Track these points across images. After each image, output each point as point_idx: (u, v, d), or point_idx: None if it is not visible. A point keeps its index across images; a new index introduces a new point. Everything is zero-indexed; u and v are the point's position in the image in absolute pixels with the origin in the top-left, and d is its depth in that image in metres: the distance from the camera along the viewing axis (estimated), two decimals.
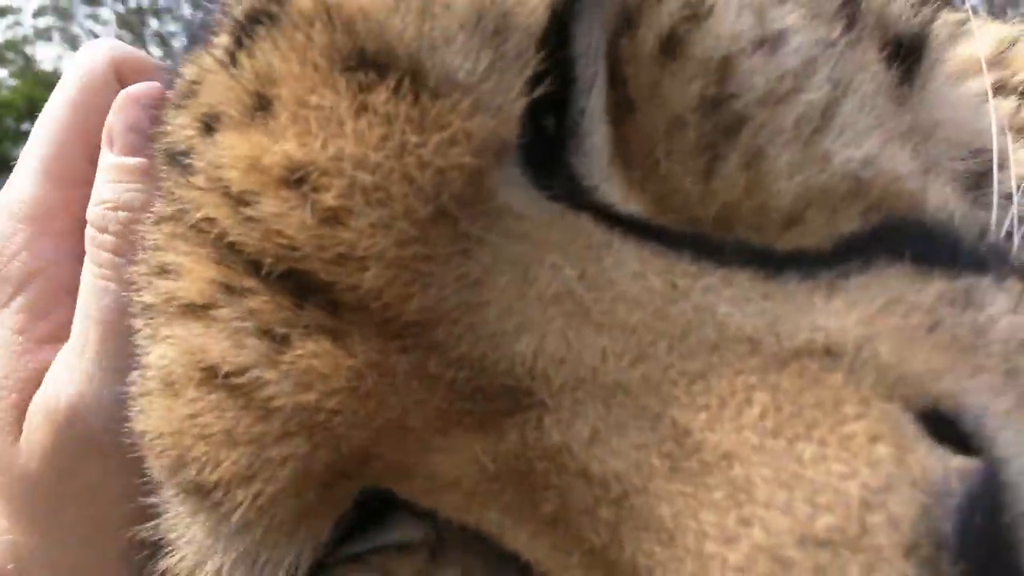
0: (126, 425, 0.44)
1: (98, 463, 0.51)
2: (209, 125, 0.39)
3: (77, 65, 0.59)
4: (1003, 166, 0.45)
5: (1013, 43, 0.85)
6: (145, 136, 0.50)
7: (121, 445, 0.46)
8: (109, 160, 0.53)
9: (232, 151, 0.37)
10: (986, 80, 0.52)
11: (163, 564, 0.44)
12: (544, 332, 0.35)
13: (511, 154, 0.37)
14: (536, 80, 0.36)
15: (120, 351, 0.49)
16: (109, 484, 0.51)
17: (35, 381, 0.53)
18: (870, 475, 0.30)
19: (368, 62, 0.35)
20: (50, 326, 0.55)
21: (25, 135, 0.62)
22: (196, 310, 0.38)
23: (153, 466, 0.42)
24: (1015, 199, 0.43)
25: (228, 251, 0.38)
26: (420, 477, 0.39)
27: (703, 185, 0.38)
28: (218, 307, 0.38)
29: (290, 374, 0.36)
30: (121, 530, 0.51)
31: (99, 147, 0.54)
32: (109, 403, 0.49)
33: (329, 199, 0.34)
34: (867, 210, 0.38)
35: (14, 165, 0.59)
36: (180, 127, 0.42)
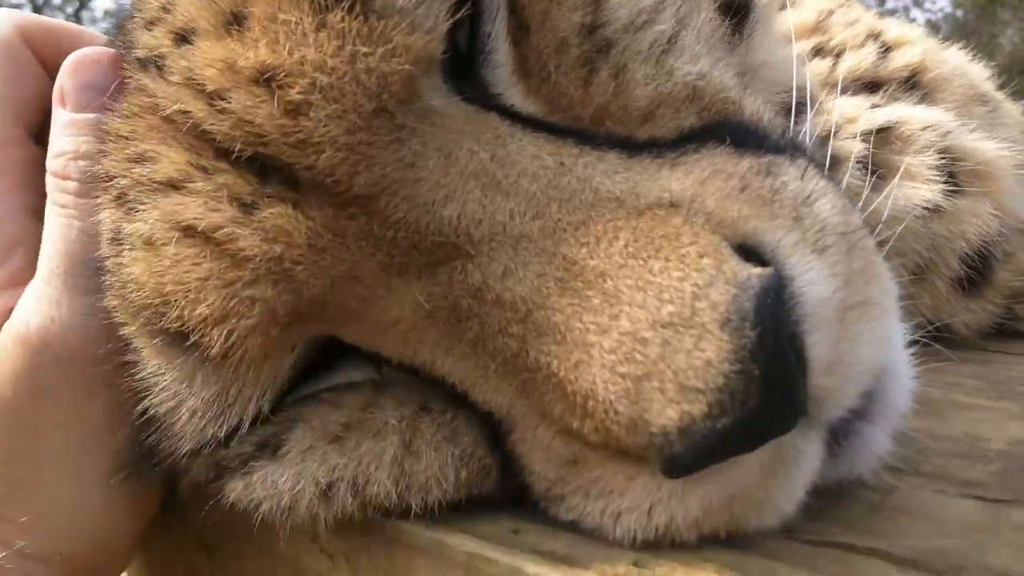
0: (99, 300, 0.51)
1: (76, 381, 0.55)
2: (184, 37, 0.48)
3: None
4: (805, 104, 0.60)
5: (830, 13, 1.03)
6: (96, 92, 0.57)
7: (96, 363, 0.52)
8: (64, 117, 0.58)
9: (209, 55, 0.46)
10: (794, 41, 0.67)
11: (143, 405, 0.52)
12: (465, 200, 0.46)
13: (435, 66, 0.48)
14: (456, 7, 0.47)
15: (86, 279, 0.54)
16: (89, 402, 0.55)
17: None
18: (698, 277, 0.43)
19: None
20: (5, 274, 0.59)
21: None
22: (174, 183, 0.47)
23: (131, 323, 0.50)
24: (808, 119, 0.57)
25: (200, 139, 0.46)
26: (365, 321, 0.50)
27: (583, 91, 0.50)
28: (194, 181, 0.46)
29: (258, 230, 0.46)
30: (104, 449, 0.56)
31: (21, 110, 0.61)
32: (80, 324, 0.54)
33: (293, 94, 0.44)
34: (701, 110, 0.51)
35: None
36: (152, 40, 0.50)
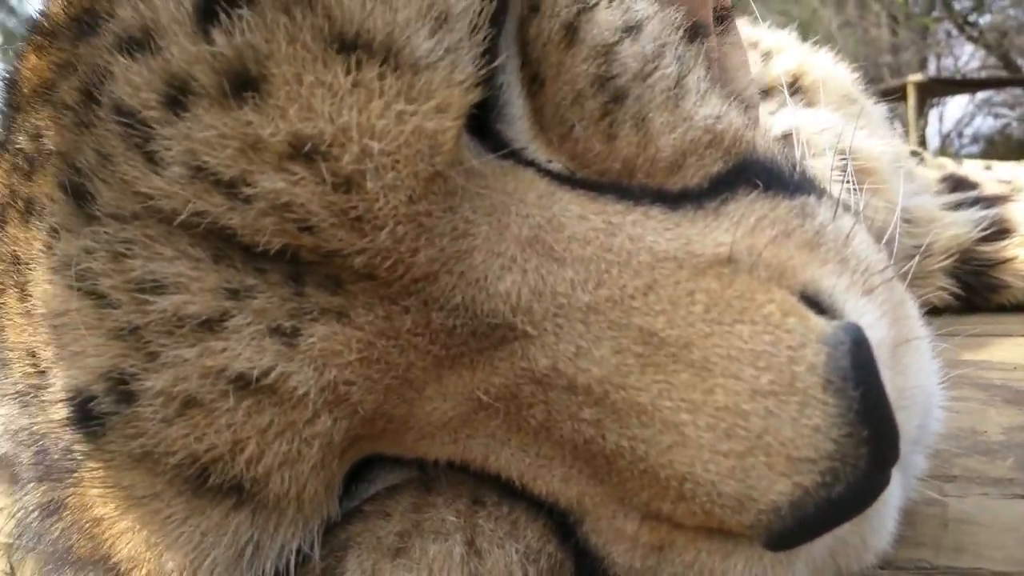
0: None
1: None
2: (177, 99, 0.38)
3: None
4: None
5: None
6: None
7: None
8: None
9: (217, 131, 0.37)
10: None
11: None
12: (524, 269, 0.42)
13: (464, 121, 0.42)
14: (488, 54, 0.41)
15: None
16: None
17: None
18: (790, 339, 0.40)
19: (351, 44, 0.38)
20: None
21: None
22: (210, 324, 0.38)
23: (153, 483, 0.40)
24: (800, 143, 0.57)
25: (223, 243, 0.38)
26: (413, 428, 0.44)
27: (609, 144, 0.46)
28: (231, 316, 0.38)
29: (307, 359, 0.39)
30: None
31: None
32: None
33: (344, 166, 0.37)
34: (725, 154, 0.49)
35: None
36: (126, 92, 0.38)
